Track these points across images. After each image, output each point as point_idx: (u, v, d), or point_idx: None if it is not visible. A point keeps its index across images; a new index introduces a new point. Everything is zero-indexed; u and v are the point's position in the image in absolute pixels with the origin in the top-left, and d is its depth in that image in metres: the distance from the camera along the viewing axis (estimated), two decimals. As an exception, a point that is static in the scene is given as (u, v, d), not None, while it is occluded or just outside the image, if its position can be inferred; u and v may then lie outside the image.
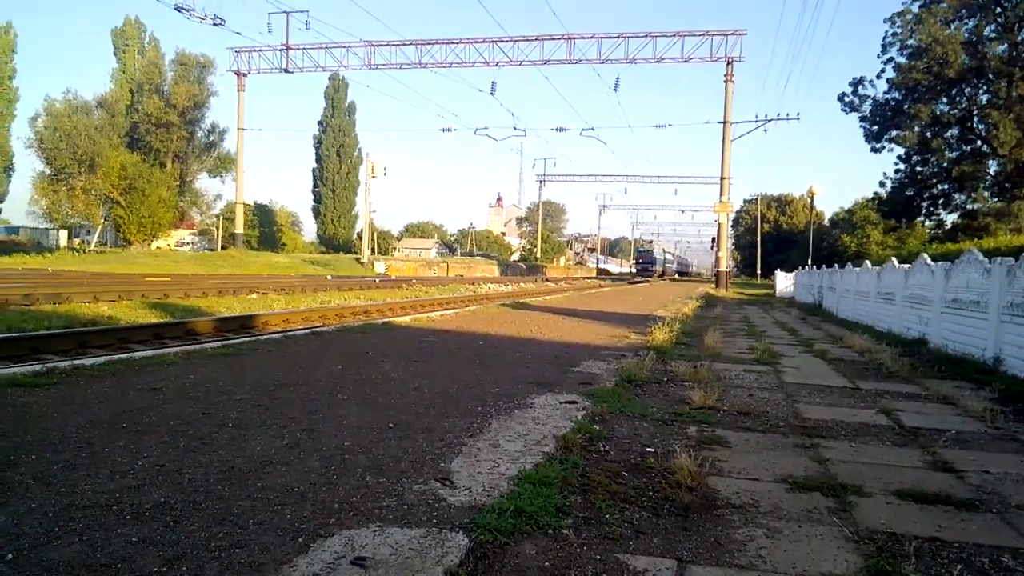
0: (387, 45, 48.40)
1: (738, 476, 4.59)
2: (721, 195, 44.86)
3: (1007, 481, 4.71)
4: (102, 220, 64.91)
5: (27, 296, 15.61)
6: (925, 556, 3.36)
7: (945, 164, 41.42)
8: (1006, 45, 37.16)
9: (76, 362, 7.21)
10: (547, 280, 61.05)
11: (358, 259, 62.14)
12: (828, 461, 5.04)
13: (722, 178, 44.44)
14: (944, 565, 3.27)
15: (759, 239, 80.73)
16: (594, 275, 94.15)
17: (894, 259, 17.66)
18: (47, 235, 71.08)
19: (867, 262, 22.47)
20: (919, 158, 42.52)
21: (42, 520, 3.22)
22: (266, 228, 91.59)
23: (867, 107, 42.65)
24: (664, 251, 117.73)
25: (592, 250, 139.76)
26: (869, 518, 3.88)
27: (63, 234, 71.45)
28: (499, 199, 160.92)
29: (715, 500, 4.08)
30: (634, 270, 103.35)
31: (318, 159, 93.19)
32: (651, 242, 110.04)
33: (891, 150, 43.38)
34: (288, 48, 49.10)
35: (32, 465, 3.98)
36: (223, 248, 66.66)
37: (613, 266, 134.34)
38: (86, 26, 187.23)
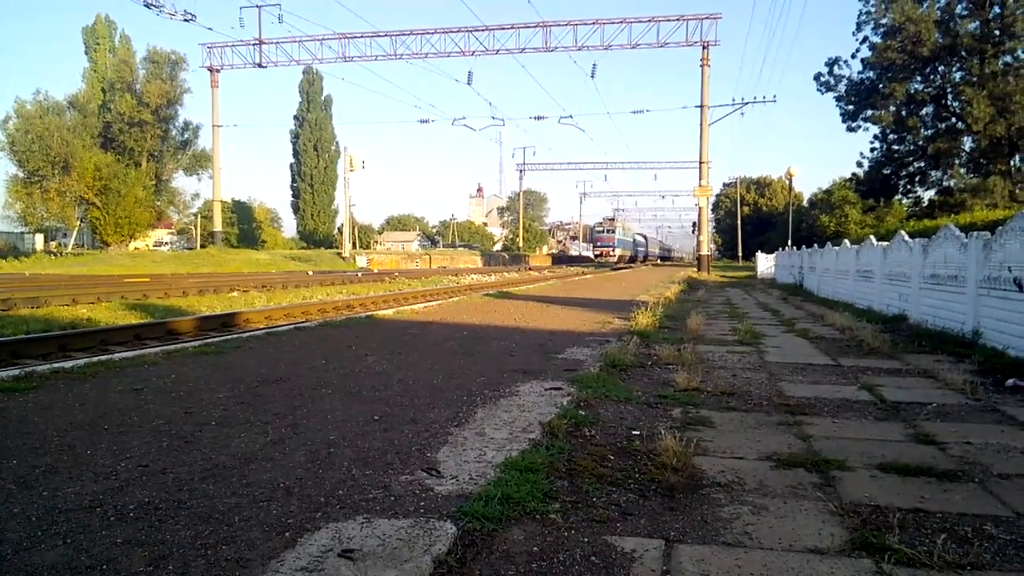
0: (361, 37, 47.94)
1: (723, 455, 4.62)
2: (700, 179, 44.93)
3: (988, 451, 4.78)
4: (78, 222, 64.07)
5: (5, 301, 15.40)
6: (909, 527, 3.41)
7: (921, 142, 41.87)
8: (978, 23, 37.55)
9: (56, 365, 7.13)
10: (530, 269, 61.07)
11: (339, 254, 61.75)
12: (811, 438, 5.08)
13: (701, 162, 44.51)
14: (928, 535, 3.31)
15: (739, 222, 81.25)
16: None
17: (872, 237, 17.82)
18: (23, 239, 70.08)
19: (846, 241, 22.66)
20: (895, 136, 42.96)
21: (25, 524, 3.19)
22: (245, 225, 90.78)
23: (843, 87, 43.05)
24: (631, 231, 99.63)
25: (575, 238, 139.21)
26: (853, 492, 3.92)
27: (39, 237, 70.42)
28: (480, 189, 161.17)
29: (701, 480, 4.11)
30: (592, 255, 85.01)
31: (295, 154, 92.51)
32: (612, 220, 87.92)
33: (867, 129, 43.88)
34: (261, 43, 48.49)
35: (13, 470, 3.93)
36: (202, 247, 65.99)
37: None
38: (56, 26, 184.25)
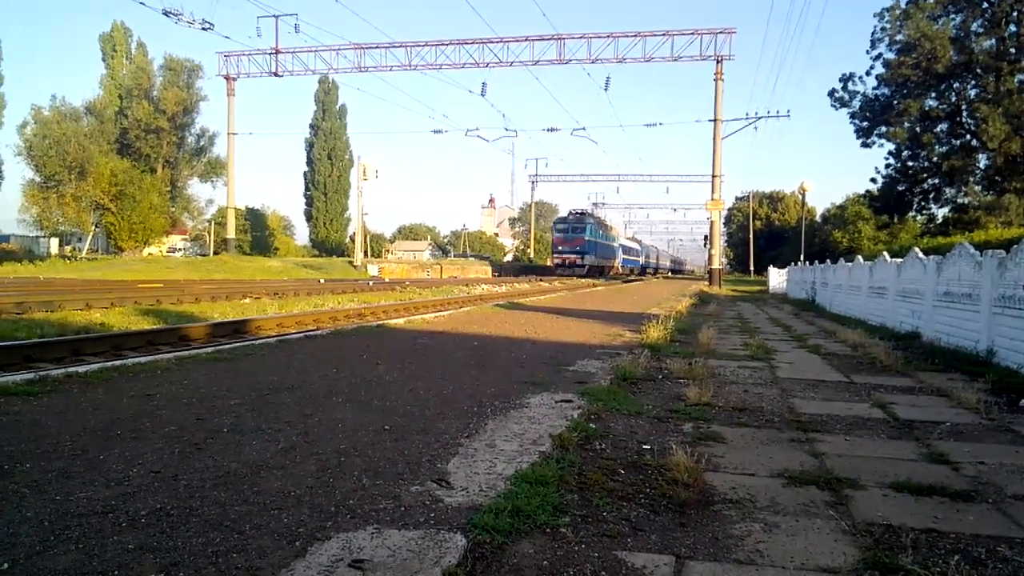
0: (377, 47, 48.28)
1: (734, 471, 4.59)
2: (713, 193, 44.87)
3: (1002, 471, 4.73)
4: (93, 227, 64.55)
5: (19, 304, 15.51)
6: (922, 547, 3.37)
7: (935, 159, 41.71)
8: (993, 40, 37.43)
9: (70, 370, 7.16)
10: (540, 280, 60.96)
11: (351, 262, 61.89)
12: (824, 455, 5.05)
13: (713, 176, 44.45)
14: (941, 556, 3.27)
15: (751, 236, 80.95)
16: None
17: (886, 254, 17.73)
18: (38, 243, 70.82)
19: (859, 257, 22.56)
20: (909, 153, 42.80)
21: (37, 529, 3.20)
22: (258, 232, 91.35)
23: (857, 103, 42.93)
24: (617, 233, 77.95)
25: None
26: (866, 511, 3.89)
27: (54, 242, 71.15)
28: (491, 200, 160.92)
29: (712, 496, 4.09)
30: (552, 263, 61.61)
31: (309, 162, 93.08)
32: (583, 213, 62.97)
33: (882, 145, 43.75)
34: (278, 52, 48.91)
35: (27, 474, 3.96)
36: (215, 253, 66.41)
37: None
38: (73, 33, 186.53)
